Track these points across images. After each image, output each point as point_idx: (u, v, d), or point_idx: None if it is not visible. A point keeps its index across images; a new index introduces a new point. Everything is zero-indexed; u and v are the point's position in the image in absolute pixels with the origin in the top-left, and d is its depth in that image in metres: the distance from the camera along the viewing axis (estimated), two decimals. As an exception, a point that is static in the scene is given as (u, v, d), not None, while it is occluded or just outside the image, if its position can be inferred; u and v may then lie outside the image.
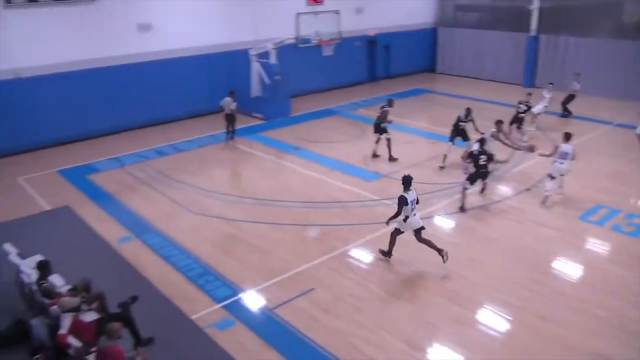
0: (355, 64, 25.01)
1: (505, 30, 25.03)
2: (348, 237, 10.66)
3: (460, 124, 14.11)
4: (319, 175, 13.99)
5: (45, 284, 7.57)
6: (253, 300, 8.72)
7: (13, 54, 15.55)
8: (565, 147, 11.89)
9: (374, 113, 19.82)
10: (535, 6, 23.38)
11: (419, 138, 16.89)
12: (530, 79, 24.30)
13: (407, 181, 9.24)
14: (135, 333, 7.30)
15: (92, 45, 17.00)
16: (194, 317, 8.21)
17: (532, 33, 23.82)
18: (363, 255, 10.02)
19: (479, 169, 11.68)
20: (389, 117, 14.67)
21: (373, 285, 8.99)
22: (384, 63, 26.60)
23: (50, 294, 7.45)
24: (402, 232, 9.54)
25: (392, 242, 9.68)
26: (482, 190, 12.60)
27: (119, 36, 17.52)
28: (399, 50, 26.62)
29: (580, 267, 9.51)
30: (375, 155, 15.06)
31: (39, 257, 8.59)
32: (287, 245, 10.45)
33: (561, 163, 11.82)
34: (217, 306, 8.52)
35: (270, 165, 14.97)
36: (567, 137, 12.08)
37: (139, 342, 7.28)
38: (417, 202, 9.40)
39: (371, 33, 25.20)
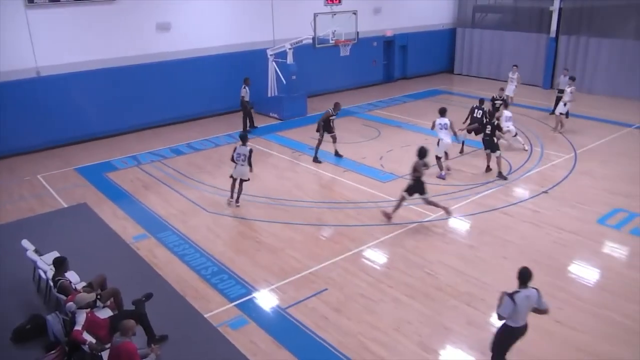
0: (371, 65, 24.96)
1: (524, 32, 24.76)
2: (362, 237, 10.63)
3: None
4: (334, 176, 13.99)
5: (61, 280, 7.65)
6: (266, 299, 8.73)
7: (35, 52, 15.81)
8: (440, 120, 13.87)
9: (390, 114, 19.91)
10: (555, 7, 23.10)
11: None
12: (549, 81, 24.03)
13: (242, 137, 11.98)
14: (148, 330, 7.36)
15: (112, 44, 17.21)
16: (207, 315, 8.24)
17: (552, 34, 23.54)
18: (377, 256, 9.99)
19: (484, 136, 13.63)
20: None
21: (386, 286, 8.95)
22: (401, 64, 26.51)
23: (67, 290, 7.54)
24: (235, 179, 11.98)
25: (232, 188, 12.19)
26: (487, 166, 13.79)
27: (139, 35, 17.70)
28: (417, 50, 26.51)
29: (598, 271, 9.37)
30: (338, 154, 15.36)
31: (55, 254, 8.73)
32: (301, 245, 10.45)
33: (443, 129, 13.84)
34: (231, 305, 8.55)
35: (285, 165, 14.99)
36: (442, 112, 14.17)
37: (153, 339, 7.34)
38: (249, 159, 11.74)
39: (389, 33, 25.13)
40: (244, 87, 17.49)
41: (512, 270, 9.27)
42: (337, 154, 15.22)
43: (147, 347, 6.91)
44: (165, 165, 15.09)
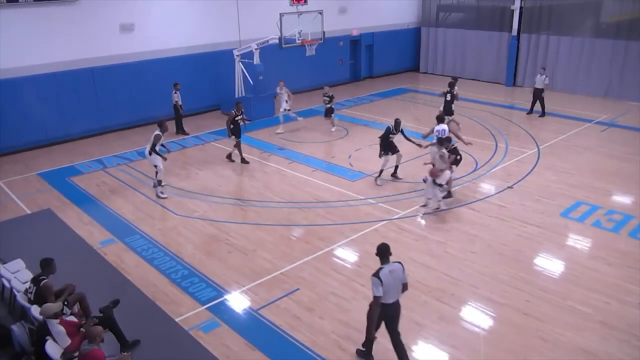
0: (338, 64, 25.09)
1: (487, 30, 25.24)
2: (332, 236, 10.67)
3: (390, 136, 13.17)
4: (303, 176, 13.99)
5: (45, 280, 7.39)
6: (238, 301, 8.69)
7: (-8, 55, 15.38)
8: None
9: (357, 113, 20.04)
10: (516, 6, 23.60)
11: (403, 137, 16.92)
12: (512, 78, 24.54)
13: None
14: (119, 336, 7.23)
15: (74, 46, 16.84)
16: (178, 319, 8.15)
17: (514, 33, 24.05)
18: (348, 255, 10.04)
19: None
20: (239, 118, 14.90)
21: (357, 284, 9.01)
22: (368, 63, 26.70)
23: (49, 290, 7.27)
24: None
25: None
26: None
27: (101, 37, 17.37)
28: (382, 50, 26.74)
29: (562, 263, 9.63)
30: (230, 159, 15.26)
31: (19, 262, 8.53)
32: (272, 245, 10.43)
33: None
34: (202, 308, 8.48)
35: (253, 165, 14.92)
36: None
37: (125, 345, 7.21)
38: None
39: (355, 33, 25.27)
40: (175, 92, 17.33)
41: (479, 265, 9.53)
42: (239, 160, 15.11)
43: (118, 354, 6.79)
44: (132, 168, 14.85)
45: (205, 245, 10.58)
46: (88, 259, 9.97)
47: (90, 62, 17.27)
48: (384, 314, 6.68)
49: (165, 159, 12.69)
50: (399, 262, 6.72)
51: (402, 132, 13.02)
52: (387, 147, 13.06)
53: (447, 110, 16.64)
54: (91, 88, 17.40)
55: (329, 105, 17.54)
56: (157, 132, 12.45)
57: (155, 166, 12.56)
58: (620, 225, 10.89)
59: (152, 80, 18.56)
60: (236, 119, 14.65)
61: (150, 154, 12.45)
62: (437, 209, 11.61)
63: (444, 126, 13.02)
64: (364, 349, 7.22)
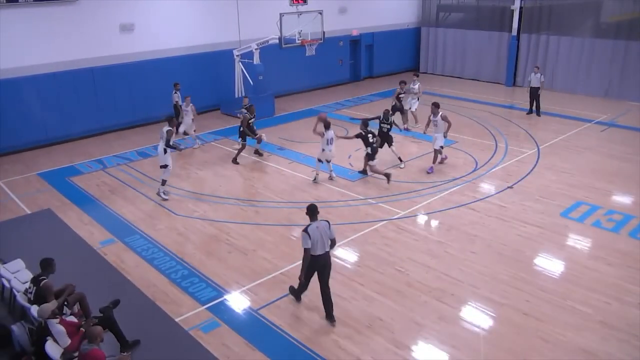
0: (338, 64, 25.10)
1: (487, 30, 25.23)
2: (332, 236, 10.65)
3: (382, 125, 14.29)
4: (303, 176, 13.99)
5: (45, 280, 7.37)
6: (238, 301, 8.69)
7: (-8, 55, 15.38)
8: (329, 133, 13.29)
9: (357, 113, 20.01)
10: (516, 6, 23.60)
11: (404, 137, 16.94)
12: (511, 78, 24.54)
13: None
14: (119, 336, 7.24)
15: (74, 46, 16.84)
16: (178, 319, 8.15)
17: (514, 33, 24.04)
18: (347, 255, 10.03)
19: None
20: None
21: (357, 284, 9.01)
22: (368, 63, 26.70)
23: (49, 290, 7.27)
24: None
25: None
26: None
27: (101, 37, 17.37)
28: (382, 50, 26.74)
29: (562, 263, 9.62)
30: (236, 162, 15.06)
31: (19, 262, 8.53)
32: (272, 245, 10.43)
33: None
34: (202, 308, 8.48)
35: (254, 166, 14.93)
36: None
37: (125, 345, 7.22)
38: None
39: (355, 33, 25.28)
40: (175, 92, 17.12)
41: (479, 265, 9.53)
42: (257, 152, 15.68)
43: (118, 354, 6.79)
44: (132, 168, 14.85)
45: (205, 245, 10.58)
46: (88, 259, 9.97)
47: (90, 62, 17.28)
48: (316, 264, 7.75)
49: (180, 150, 12.94)
50: (326, 221, 7.86)
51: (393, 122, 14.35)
52: (383, 138, 14.04)
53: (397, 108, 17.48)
54: (91, 88, 17.41)
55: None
56: (168, 127, 12.48)
57: (166, 165, 12.55)
58: (620, 225, 10.89)
59: (152, 80, 18.56)
60: (250, 121, 14.90)
61: (165, 151, 12.44)
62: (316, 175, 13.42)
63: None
64: (295, 289, 8.35)
